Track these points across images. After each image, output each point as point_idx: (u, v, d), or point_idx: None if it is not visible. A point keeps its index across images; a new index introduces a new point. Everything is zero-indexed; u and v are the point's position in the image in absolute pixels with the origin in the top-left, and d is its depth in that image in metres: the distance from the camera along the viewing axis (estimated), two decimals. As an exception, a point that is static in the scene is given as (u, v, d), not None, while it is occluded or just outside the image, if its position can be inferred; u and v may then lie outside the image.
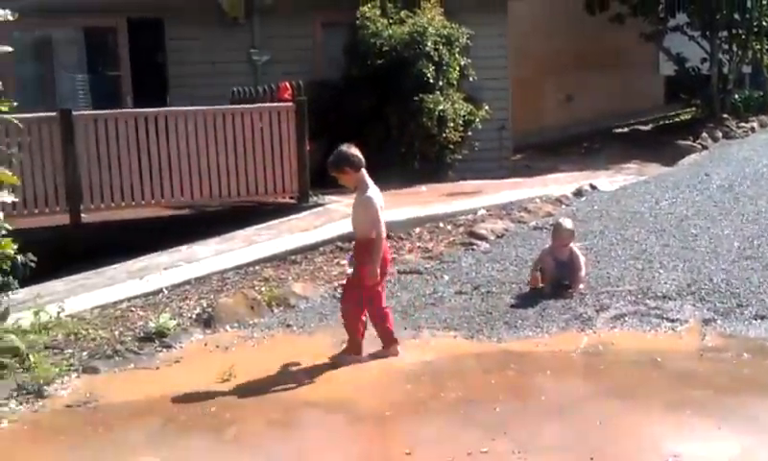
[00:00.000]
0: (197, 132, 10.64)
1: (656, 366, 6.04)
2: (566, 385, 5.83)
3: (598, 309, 7.23)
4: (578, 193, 11.73)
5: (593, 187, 12.06)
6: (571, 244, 7.92)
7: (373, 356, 6.40)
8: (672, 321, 6.95)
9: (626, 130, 20.32)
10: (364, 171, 6.37)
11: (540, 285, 7.81)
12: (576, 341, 6.60)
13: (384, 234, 6.31)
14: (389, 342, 6.46)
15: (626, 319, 7.04)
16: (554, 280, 7.75)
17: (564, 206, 11.10)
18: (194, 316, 7.55)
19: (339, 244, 9.57)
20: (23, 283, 7.08)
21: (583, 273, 7.76)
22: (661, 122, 20.83)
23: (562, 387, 5.78)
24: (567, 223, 8.19)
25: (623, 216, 10.31)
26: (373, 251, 6.20)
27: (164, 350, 6.84)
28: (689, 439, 4.92)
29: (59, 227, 10.06)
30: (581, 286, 7.67)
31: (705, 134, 16.31)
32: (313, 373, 6.19)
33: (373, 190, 6.34)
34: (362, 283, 6.28)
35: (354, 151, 6.34)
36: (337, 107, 13.45)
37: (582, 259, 7.84)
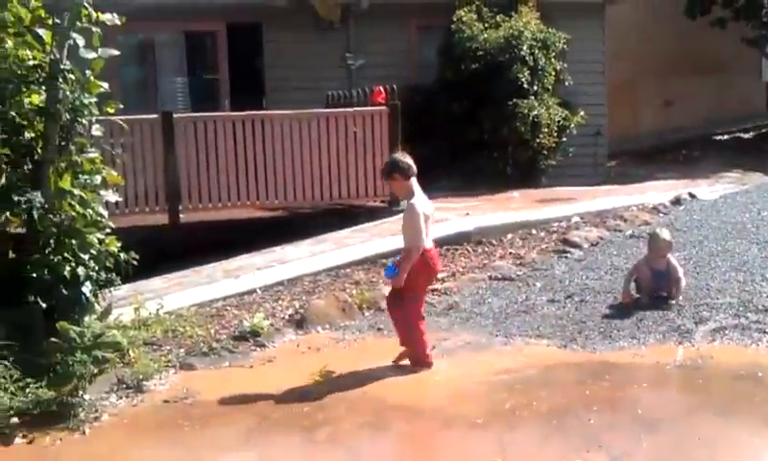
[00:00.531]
0: (292, 135, 10.79)
1: (757, 381, 5.83)
2: (664, 399, 5.68)
3: (697, 322, 7.02)
4: (676, 201, 11.43)
5: (692, 196, 11.74)
6: (668, 255, 7.71)
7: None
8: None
9: (726, 137, 19.74)
10: (414, 180, 6.34)
11: (636, 296, 7.63)
12: (674, 354, 6.41)
13: (427, 245, 6.30)
14: (414, 358, 6.38)
15: (726, 332, 6.81)
16: (650, 291, 7.57)
17: (661, 215, 10.84)
18: (287, 317, 7.65)
19: (430, 249, 9.55)
20: (123, 281, 7.30)
21: (683, 284, 7.56)
22: (764, 130, 20.15)
23: (659, 401, 5.63)
24: (665, 233, 7.98)
25: (723, 226, 10.00)
26: (408, 258, 6.22)
27: (258, 349, 6.95)
28: (794, 459, 4.74)
29: (157, 226, 10.34)
30: (679, 298, 7.47)
31: (810, 143, 15.73)
32: (403, 377, 6.19)
33: (419, 198, 6.32)
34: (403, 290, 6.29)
35: (407, 159, 6.36)
36: (430, 110, 13.46)
37: (680, 270, 7.63)
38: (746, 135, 19.75)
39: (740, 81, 20.60)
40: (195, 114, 11.38)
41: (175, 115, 10.57)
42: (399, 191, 6.54)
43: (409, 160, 6.34)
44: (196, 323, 7.41)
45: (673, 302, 7.42)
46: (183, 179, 10.46)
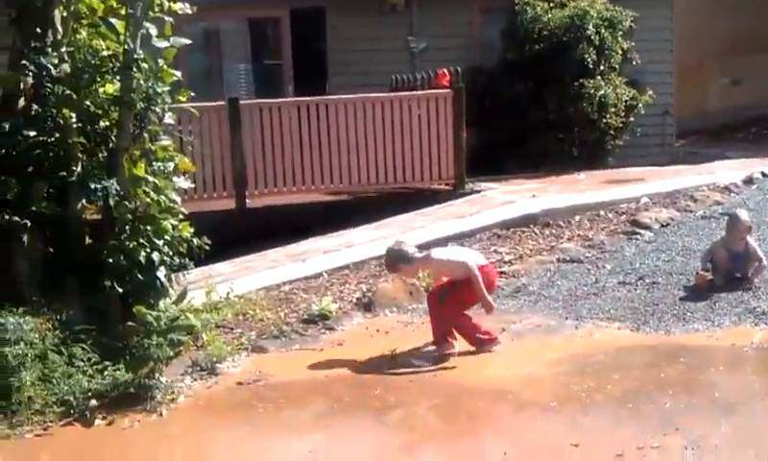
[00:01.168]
0: (356, 119, 10.81)
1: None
2: (740, 382, 5.58)
3: (774, 303, 6.87)
4: (748, 181, 11.13)
5: (765, 175, 11.39)
6: (747, 237, 7.53)
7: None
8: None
9: (797, 115, 19.15)
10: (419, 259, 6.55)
11: (710, 278, 7.47)
12: (750, 336, 6.29)
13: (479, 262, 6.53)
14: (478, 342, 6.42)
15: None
16: (726, 273, 7.41)
17: (733, 195, 10.57)
18: (354, 300, 7.70)
19: (496, 231, 9.51)
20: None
21: (765, 262, 7.38)
22: (838, 106, 19.50)
23: (735, 383, 5.53)
24: (744, 214, 7.77)
25: (799, 205, 9.73)
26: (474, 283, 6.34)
27: (327, 332, 7.01)
28: None
29: (224, 211, 10.46)
30: (755, 281, 7.30)
31: None
32: (473, 360, 6.18)
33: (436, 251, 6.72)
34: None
35: (402, 246, 6.55)
36: (493, 92, 13.31)
37: (759, 251, 7.44)
38: (817, 113, 19.14)
39: (812, 57, 19.96)
40: (260, 100, 11.46)
41: (241, 102, 10.68)
42: (411, 276, 7.05)
43: (405, 247, 6.54)
44: (265, 306, 7.50)
45: (749, 285, 7.26)
46: (249, 164, 10.56)
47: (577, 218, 9.88)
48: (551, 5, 13.38)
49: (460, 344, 6.37)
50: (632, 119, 13.71)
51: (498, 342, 6.38)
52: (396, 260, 6.51)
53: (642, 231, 9.17)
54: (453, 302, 6.35)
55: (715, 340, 6.29)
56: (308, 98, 11.08)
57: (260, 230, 9.80)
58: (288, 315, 7.31)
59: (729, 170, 12.14)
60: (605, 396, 5.42)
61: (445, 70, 11.79)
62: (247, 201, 10.60)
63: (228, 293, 7.57)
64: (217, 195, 10.52)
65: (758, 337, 6.25)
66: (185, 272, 6.83)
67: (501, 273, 8.23)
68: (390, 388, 5.71)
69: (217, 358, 6.29)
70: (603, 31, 13.05)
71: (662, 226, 9.36)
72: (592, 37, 12.89)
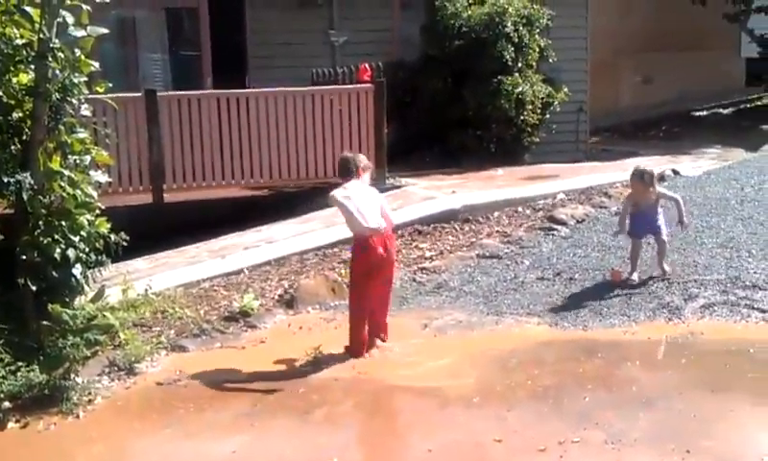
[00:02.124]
0: (277, 113, 10.70)
1: (748, 357, 5.91)
2: (657, 375, 5.73)
3: (686, 298, 7.08)
4: (660, 178, 11.41)
5: (676, 172, 11.79)
6: (658, 188, 7.80)
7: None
8: (763, 311, 6.77)
9: (705, 113, 19.84)
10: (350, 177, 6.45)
11: (624, 277, 7.63)
12: (664, 330, 6.48)
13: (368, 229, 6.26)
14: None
15: (715, 308, 6.88)
16: (642, 229, 7.67)
17: (645, 192, 10.87)
18: (276, 297, 7.63)
19: (417, 227, 9.56)
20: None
21: (679, 199, 7.83)
22: (742, 106, 20.27)
23: (652, 377, 5.68)
24: (646, 166, 7.96)
25: (708, 202, 10.06)
26: None
27: (249, 330, 6.93)
28: (788, 435, 4.81)
29: (140, 205, 10.23)
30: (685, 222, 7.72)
31: (790, 120, 15.84)
32: (397, 356, 6.20)
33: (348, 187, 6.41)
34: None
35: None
36: (413, 87, 13.39)
37: (671, 193, 7.94)
38: (725, 111, 19.85)
39: (719, 57, 20.66)
40: (178, 92, 11.21)
41: (158, 94, 10.45)
42: None
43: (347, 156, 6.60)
44: (185, 304, 7.37)
45: (664, 278, 7.46)
46: (167, 158, 10.34)
47: (496, 214, 10.02)
48: (470, 2, 13.50)
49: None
50: (548, 116, 13.95)
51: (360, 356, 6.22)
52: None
53: (559, 227, 9.35)
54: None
55: (631, 335, 6.45)
56: (228, 91, 10.92)
57: (179, 226, 9.61)
58: (208, 313, 7.20)
59: (641, 167, 12.45)
60: (526, 391, 5.50)
61: (367, 65, 11.76)
62: (165, 195, 10.38)
63: (147, 290, 7.42)
64: (134, 189, 10.26)
65: (673, 332, 6.43)
66: (102, 269, 6.65)
67: (422, 269, 8.30)
68: (313, 386, 5.68)
69: (135, 358, 6.15)
70: (521, 28, 13.24)
71: (578, 222, 9.57)
72: (511, 35, 13.07)
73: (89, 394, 5.65)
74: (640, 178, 7.63)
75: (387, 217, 6.36)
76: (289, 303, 7.46)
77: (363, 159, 6.59)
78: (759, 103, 20.04)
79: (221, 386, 5.81)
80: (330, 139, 10.91)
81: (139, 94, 10.33)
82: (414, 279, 8.06)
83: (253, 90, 11.24)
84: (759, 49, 18.57)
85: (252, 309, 7.14)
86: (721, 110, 19.90)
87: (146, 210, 10.16)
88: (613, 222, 9.51)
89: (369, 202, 6.24)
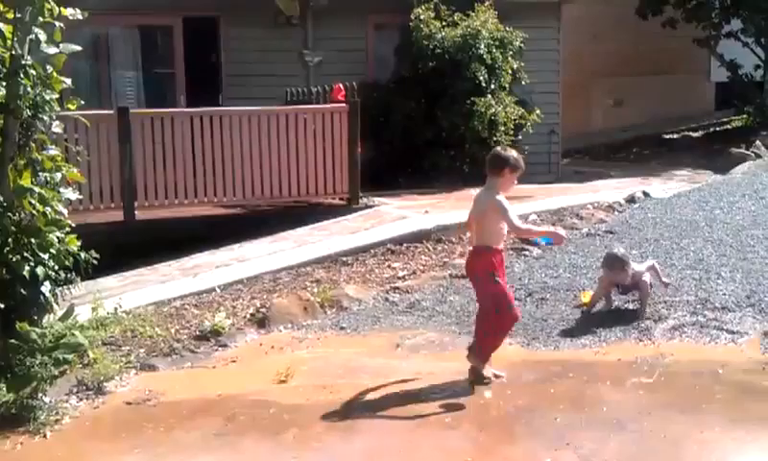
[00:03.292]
0: (250, 132, 10.71)
1: (717, 379, 5.94)
2: (627, 396, 5.75)
3: (656, 320, 7.12)
4: (631, 200, 11.60)
5: (646, 194, 11.91)
6: (633, 267, 7.38)
7: None
8: (732, 332, 6.81)
9: (676, 136, 20.09)
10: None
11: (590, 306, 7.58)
12: (635, 351, 6.51)
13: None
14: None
15: (685, 330, 6.93)
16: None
17: (616, 213, 10.99)
18: (248, 316, 7.58)
19: (390, 246, 9.57)
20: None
21: (656, 267, 7.61)
22: (712, 129, 20.56)
23: (622, 398, 5.70)
24: (619, 249, 7.69)
25: (678, 224, 10.16)
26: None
27: (220, 349, 6.89)
28: (755, 453, 4.85)
29: (112, 223, 10.17)
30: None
31: (758, 143, 16.06)
32: (370, 376, 6.18)
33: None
34: None
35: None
36: (387, 108, 13.46)
37: (643, 266, 7.53)
38: (695, 134, 20.11)
39: (690, 80, 21.02)
40: (151, 110, 11.22)
41: (131, 111, 10.42)
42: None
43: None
44: (155, 322, 7.31)
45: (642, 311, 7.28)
46: (139, 175, 10.32)
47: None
48: (444, 23, 13.62)
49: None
50: (520, 138, 14.09)
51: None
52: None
53: (531, 248, 9.39)
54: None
55: (602, 355, 6.48)
56: (201, 109, 10.93)
57: (151, 244, 9.57)
58: (179, 331, 7.14)
59: (612, 189, 12.62)
60: (499, 411, 5.50)
61: (341, 85, 11.83)
62: (136, 213, 10.34)
63: (117, 308, 7.35)
64: (105, 207, 10.24)
65: (643, 353, 6.47)
66: (71, 287, 6.58)
67: (395, 288, 8.30)
68: (285, 406, 5.64)
69: (104, 377, 6.08)
70: (494, 50, 13.38)
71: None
72: (484, 57, 13.19)
73: (57, 413, 5.57)
74: (611, 267, 7.34)
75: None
76: (261, 322, 7.42)
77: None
78: (729, 126, 20.31)
79: (190, 406, 5.75)
80: (304, 159, 10.94)
81: (111, 112, 10.33)
82: (386, 299, 8.06)
83: (227, 109, 11.25)
84: (729, 73, 18.84)
85: (224, 328, 7.09)
86: (691, 134, 20.16)
87: (117, 228, 10.13)
88: (585, 243, 9.62)
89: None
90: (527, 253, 9.26)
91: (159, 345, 6.84)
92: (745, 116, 19.62)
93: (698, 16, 18.14)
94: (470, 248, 6.13)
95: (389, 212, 11.05)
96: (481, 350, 5.96)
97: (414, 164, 13.47)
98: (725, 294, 7.62)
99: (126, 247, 9.55)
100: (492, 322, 5.92)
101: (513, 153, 6.04)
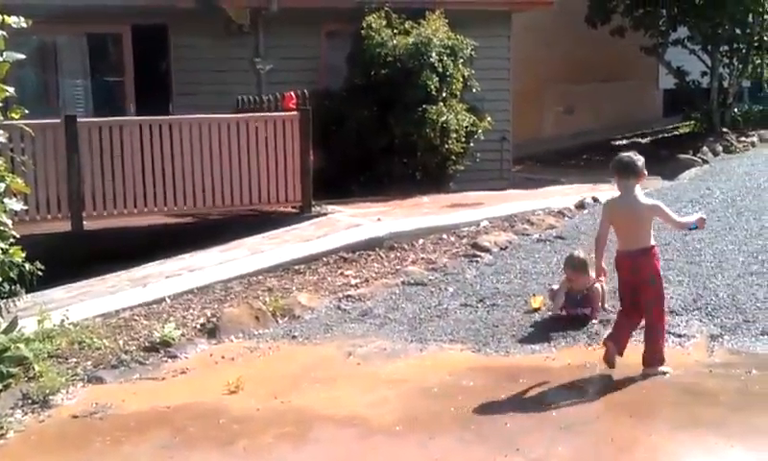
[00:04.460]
0: (201, 140, 10.63)
1: (665, 382, 6.02)
2: (576, 400, 5.79)
3: (605, 324, 7.19)
4: (580, 206, 11.73)
5: (596, 200, 12.02)
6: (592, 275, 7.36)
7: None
8: (679, 336, 6.92)
9: (625, 142, 20.32)
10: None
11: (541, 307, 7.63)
12: (584, 356, 6.57)
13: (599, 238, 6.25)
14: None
15: (633, 334, 6.98)
16: (573, 311, 7.48)
17: (566, 219, 11.10)
18: (198, 326, 7.52)
19: (343, 254, 9.56)
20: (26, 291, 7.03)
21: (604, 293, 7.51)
22: (661, 135, 20.88)
23: (572, 402, 5.74)
24: (579, 253, 7.81)
25: (626, 230, 10.26)
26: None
27: (170, 360, 6.81)
28: (703, 457, 4.91)
29: (60, 233, 10.01)
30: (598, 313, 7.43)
31: (705, 148, 16.35)
32: (320, 386, 6.15)
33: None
34: None
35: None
36: (340, 116, 13.45)
37: (599, 292, 7.47)
38: (644, 141, 20.37)
39: (638, 87, 21.32)
40: (100, 119, 11.06)
41: (79, 120, 10.27)
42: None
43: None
44: (103, 334, 7.21)
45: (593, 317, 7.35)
46: (87, 184, 10.18)
47: (421, 241, 10.08)
48: (396, 32, 13.65)
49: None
50: (472, 145, 14.19)
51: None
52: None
53: (482, 254, 9.45)
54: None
55: (552, 360, 6.53)
56: (150, 117, 10.81)
57: (99, 254, 9.46)
58: (128, 343, 7.05)
59: (562, 195, 12.75)
60: (449, 418, 5.51)
61: (292, 93, 11.79)
62: (85, 223, 10.19)
63: (63, 320, 7.24)
64: (52, 217, 10.07)
65: (592, 357, 6.53)
66: (16, 299, 6.47)
67: (347, 296, 8.28)
68: (234, 417, 5.59)
69: (50, 390, 5.98)
70: (445, 58, 13.45)
71: (501, 249, 9.68)
72: (435, 64, 13.26)
73: (1, 428, 5.46)
74: (575, 268, 7.49)
75: None
76: (211, 332, 7.35)
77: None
78: (677, 132, 20.65)
79: (139, 418, 5.67)
80: (255, 167, 10.89)
81: (58, 120, 10.17)
82: (339, 307, 8.04)
83: (177, 117, 11.16)
84: (677, 80, 19.16)
85: (173, 339, 7.02)
86: (640, 140, 20.43)
87: (65, 239, 9.97)
88: (536, 249, 9.70)
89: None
90: (479, 259, 9.31)
91: (107, 357, 6.74)
92: (693, 123, 19.97)
93: (645, 24, 18.42)
94: (623, 251, 6.16)
95: (342, 220, 11.03)
96: (657, 353, 6.15)
97: (367, 172, 13.48)
98: (672, 298, 7.71)
99: (74, 258, 9.40)
100: (663, 321, 6.31)
101: (638, 156, 6.24)
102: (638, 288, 6.17)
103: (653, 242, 6.16)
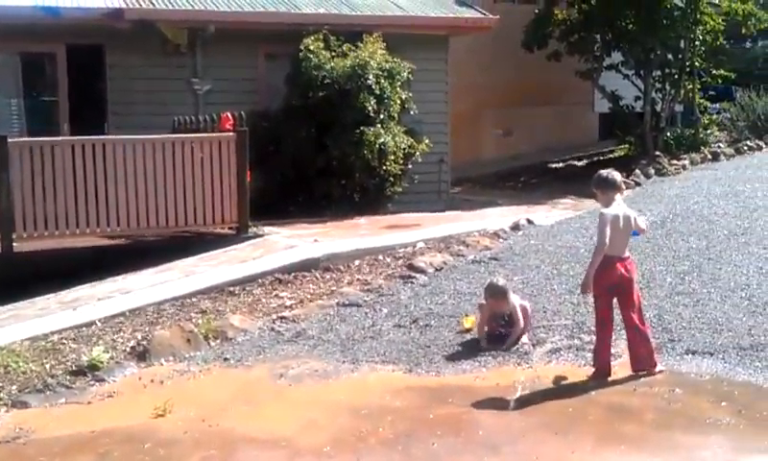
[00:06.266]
0: (135, 160, 10.54)
1: (590, 400, 6.13)
2: (503, 420, 5.87)
3: (535, 343, 7.31)
4: (515, 227, 11.89)
5: (530, 222, 12.22)
6: (513, 299, 7.52)
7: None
8: (603, 355, 7.04)
9: (561, 165, 20.70)
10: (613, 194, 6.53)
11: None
12: (513, 375, 6.65)
13: (604, 247, 6.39)
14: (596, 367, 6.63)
15: (561, 353, 7.12)
16: (492, 333, 7.49)
17: (501, 240, 11.23)
18: (128, 349, 7.43)
19: (278, 276, 9.54)
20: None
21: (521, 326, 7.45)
22: (596, 158, 21.26)
23: (499, 422, 5.81)
24: (500, 280, 7.81)
25: (559, 251, 10.46)
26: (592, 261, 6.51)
27: (97, 384, 6.72)
28: (623, 474, 5.02)
29: (-12, 255, 9.84)
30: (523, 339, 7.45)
31: (638, 171, 16.68)
32: (250, 408, 6.13)
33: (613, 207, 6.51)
34: None
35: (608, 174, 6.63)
36: (278, 137, 13.46)
37: (520, 313, 7.46)
38: (580, 163, 20.75)
39: (574, 111, 21.74)
40: (31, 139, 10.91)
41: (9, 140, 10.10)
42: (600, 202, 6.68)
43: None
44: (29, 358, 7.11)
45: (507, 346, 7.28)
46: (18, 205, 10.00)
47: (357, 262, 10.12)
48: (334, 54, 13.72)
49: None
50: (410, 166, 14.30)
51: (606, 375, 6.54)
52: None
53: (418, 275, 9.51)
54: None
55: (482, 380, 6.59)
56: (84, 137, 10.71)
57: (29, 276, 9.31)
58: (54, 367, 6.94)
59: (498, 217, 12.92)
60: (377, 439, 5.53)
61: (229, 114, 11.77)
62: (14, 244, 10.02)
63: (-12, 344, 7.09)
64: (-21, 238, 9.86)
65: (521, 377, 6.62)
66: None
67: (282, 318, 8.27)
68: (161, 440, 5.54)
69: (-28, 416, 5.86)
70: (383, 81, 13.55)
71: (436, 270, 9.75)
72: (373, 87, 13.36)
73: None
74: (494, 296, 7.48)
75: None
76: (141, 355, 7.27)
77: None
78: (612, 155, 21.05)
79: (63, 443, 5.59)
80: (191, 187, 10.83)
81: (-13, 140, 9.98)
82: (272, 329, 8.02)
83: (111, 137, 11.07)
84: (611, 105, 19.56)
85: (102, 362, 6.92)
86: (576, 162, 20.80)
87: (-7, 260, 9.77)
88: (470, 270, 9.79)
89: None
90: (414, 280, 9.37)
91: (33, 381, 6.63)
92: (627, 146, 20.37)
93: (580, 49, 18.81)
94: (623, 257, 6.53)
95: (278, 241, 11.01)
96: (647, 354, 6.58)
97: (305, 193, 13.49)
98: (600, 317, 7.85)
99: (2, 280, 9.23)
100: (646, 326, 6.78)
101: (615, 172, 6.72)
102: (628, 289, 6.55)
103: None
